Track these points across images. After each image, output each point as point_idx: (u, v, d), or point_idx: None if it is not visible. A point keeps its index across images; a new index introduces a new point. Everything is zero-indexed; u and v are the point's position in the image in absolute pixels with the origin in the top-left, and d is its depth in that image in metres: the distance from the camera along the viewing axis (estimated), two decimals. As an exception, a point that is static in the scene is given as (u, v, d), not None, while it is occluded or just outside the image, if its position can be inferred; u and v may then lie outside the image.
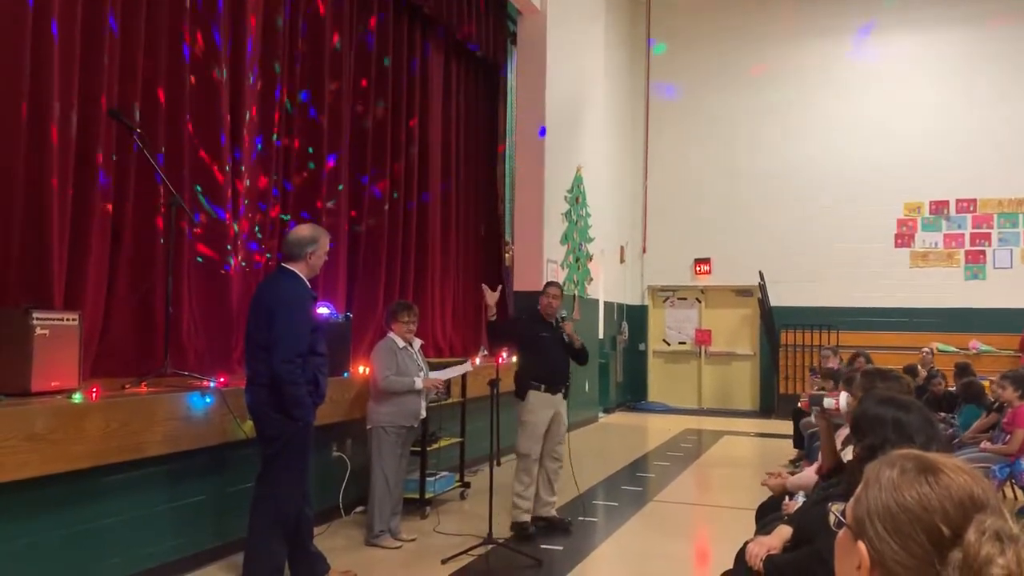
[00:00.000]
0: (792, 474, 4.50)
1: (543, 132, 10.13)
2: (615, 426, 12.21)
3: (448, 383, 6.43)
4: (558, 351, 5.80)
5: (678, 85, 14.67)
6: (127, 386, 4.41)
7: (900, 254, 13.62)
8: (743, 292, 14.39)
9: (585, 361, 6.08)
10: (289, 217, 6.31)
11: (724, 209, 14.28)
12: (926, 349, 10.53)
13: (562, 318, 5.98)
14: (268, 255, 6.00)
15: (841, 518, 1.14)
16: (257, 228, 5.96)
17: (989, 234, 13.32)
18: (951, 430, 7.32)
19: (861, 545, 1.07)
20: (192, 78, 5.33)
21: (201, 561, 4.68)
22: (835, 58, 13.97)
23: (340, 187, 6.84)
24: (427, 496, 6.14)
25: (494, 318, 5.81)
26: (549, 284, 6.07)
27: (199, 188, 5.37)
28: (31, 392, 3.79)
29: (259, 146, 5.97)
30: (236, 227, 5.65)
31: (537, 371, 5.67)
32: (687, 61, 14.67)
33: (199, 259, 5.40)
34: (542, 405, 5.67)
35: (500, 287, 6.08)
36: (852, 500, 1.13)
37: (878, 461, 1.13)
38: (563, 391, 5.81)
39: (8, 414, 3.47)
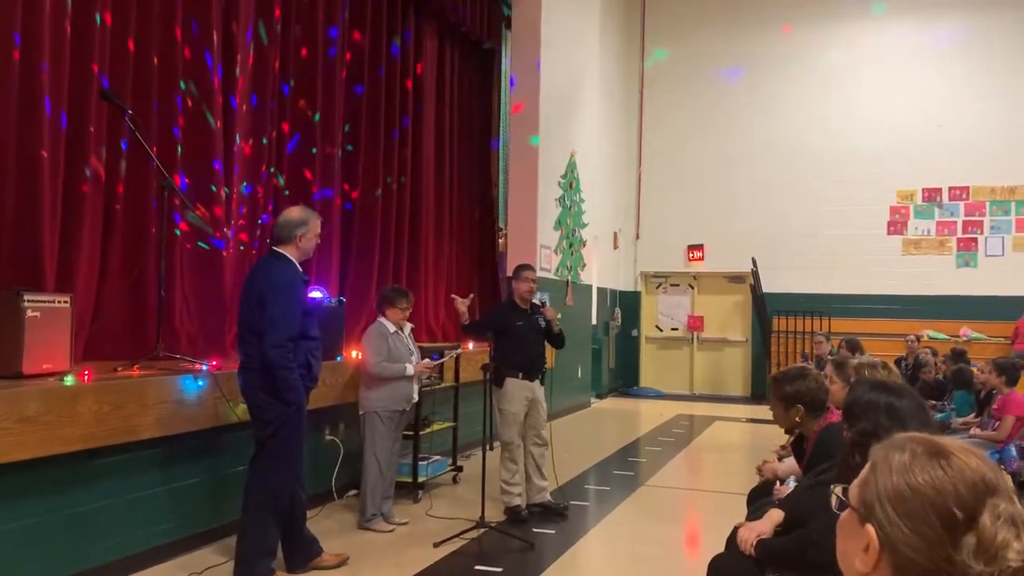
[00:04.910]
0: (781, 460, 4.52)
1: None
2: (607, 412, 12.25)
3: (441, 367, 6.45)
4: (534, 338, 5.83)
5: (672, 73, 14.64)
6: (119, 369, 4.40)
7: (892, 241, 13.66)
8: (736, 278, 14.42)
9: (562, 345, 6.10)
10: (284, 187, 6.29)
11: (717, 196, 14.28)
12: (911, 336, 10.55)
13: (542, 303, 5.98)
14: (259, 232, 5.98)
15: (844, 499, 1.14)
16: (253, 205, 5.94)
17: (981, 222, 13.36)
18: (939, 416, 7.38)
19: (870, 528, 1.06)
20: (184, 61, 5.29)
21: (194, 544, 4.68)
22: (830, 45, 13.95)
23: (334, 171, 6.82)
24: (420, 480, 6.15)
25: (466, 322, 5.82)
26: (525, 268, 5.97)
27: (191, 171, 5.35)
28: (23, 374, 3.78)
29: (250, 130, 5.94)
30: (229, 209, 5.63)
31: (514, 359, 5.69)
32: (682, 48, 14.62)
33: (197, 244, 5.37)
34: (519, 392, 5.69)
35: (472, 295, 6.06)
36: (857, 483, 1.12)
37: (884, 444, 1.12)
38: (540, 377, 5.84)
39: (0, 396, 3.46)
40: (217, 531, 4.82)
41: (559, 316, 6.13)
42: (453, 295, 5.95)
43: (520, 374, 5.69)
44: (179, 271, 5.23)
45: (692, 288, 14.93)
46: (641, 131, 14.96)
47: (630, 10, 14.94)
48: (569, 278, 11.29)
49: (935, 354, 9.41)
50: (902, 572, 1.03)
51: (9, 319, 3.78)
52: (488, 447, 5.67)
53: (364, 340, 5.54)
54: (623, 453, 8.50)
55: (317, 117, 6.62)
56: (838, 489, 1.16)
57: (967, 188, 13.39)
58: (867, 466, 1.12)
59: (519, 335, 5.72)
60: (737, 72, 14.27)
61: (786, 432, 3.59)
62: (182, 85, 5.28)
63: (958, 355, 8.43)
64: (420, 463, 6.17)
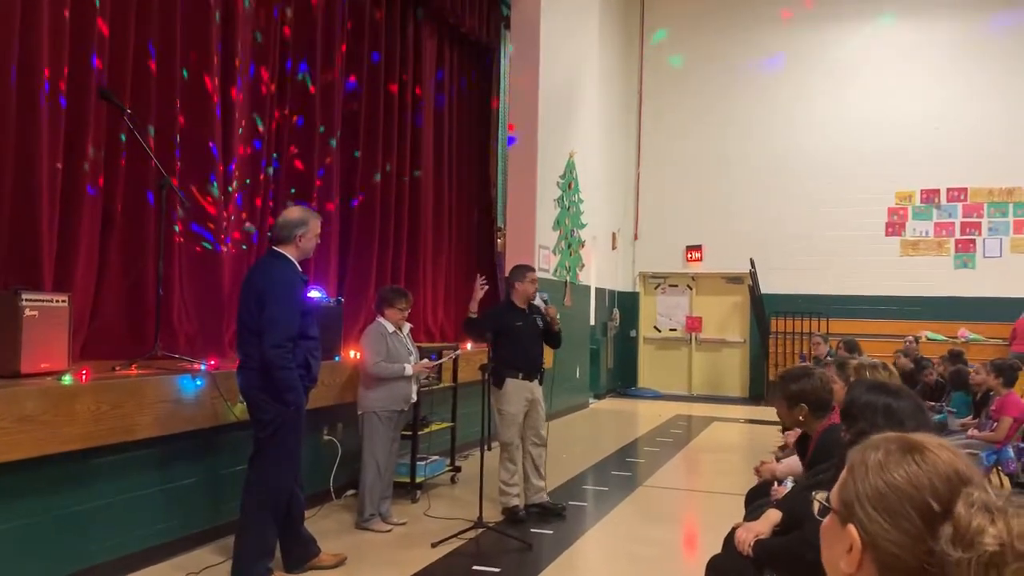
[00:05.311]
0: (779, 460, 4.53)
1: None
2: (605, 412, 12.25)
3: (439, 368, 6.46)
4: (532, 339, 5.84)
5: (672, 74, 14.65)
6: (117, 368, 4.40)
7: (890, 242, 13.67)
8: (734, 279, 14.43)
9: (559, 344, 6.11)
10: (283, 186, 6.29)
11: (716, 196, 14.29)
12: (909, 338, 10.61)
13: (545, 302, 5.99)
14: (253, 230, 5.98)
15: (826, 504, 1.15)
16: (248, 206, 5.94)
17: (979, 223, 13.37)
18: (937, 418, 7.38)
19: (851, 528, 1.08)
20: (182, 61, 5.28)
21: (192, 543, 4.68)
22: (828, 46, 13.97)
23: (332, 172, 6.82)
24: (418, 480, 6.15)
25: (474, 315, 5.80)
26: (528, 269, 5.97)
27: (190, 170, 5.34)
28: (20, 374, 3.77)
29: (248, 130, 5.93)
30: (227, 209, 5.63)
31: (513, 360, 5.69)
32: (681, 49, 14.63)
33: (195, 244, 5.37)
34: (519, 393, 5.69)
35: (487, 286, 6.04)
36: (837, 485, 1.14)
37: (860, 446, 1.14)
38: (538, 377, 5.85)
39: (-2, 395, 3.46)
40: (215, 531, 4.82)
41: (558, 315, 6.14)
42: (479, 274, 5.96)
43: (520, 374, 5.70)
44: (177, 270, 5.23)
45: (690, 289, 14.94)
46: (640, 131, 14.97)
47: (629, 10, 14.95)
48: (567, 278, 11.29)
49: (907, 355, 9.46)
50: (886, 569, 1.05)
51: (7, 318, 3.77)
52: (486, 447, 5.67)
53: (363, 340, 5.54)
54: (621, 454, 8.50)
55: (316, 117, 6.61)
56: (820, 495, 1.18)
57: (965, 189, 13.40)
58: (845, 468, 1.14)
59: (518, 335, 5.72)
60: (737, 75, 14.25)
61: (783, 430, 3.62)
62: (183, 73, 5.27)
63: (955, 356, 8.44)
64: (418, 463, 6.17)
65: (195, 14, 5.36)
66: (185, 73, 5.30)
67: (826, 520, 1.16)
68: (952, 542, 1.00)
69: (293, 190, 6.41)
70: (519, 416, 5.70)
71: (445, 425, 6.89)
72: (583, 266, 11.99)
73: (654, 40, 14.78)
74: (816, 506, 1.18)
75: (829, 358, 8.16)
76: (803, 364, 4.03)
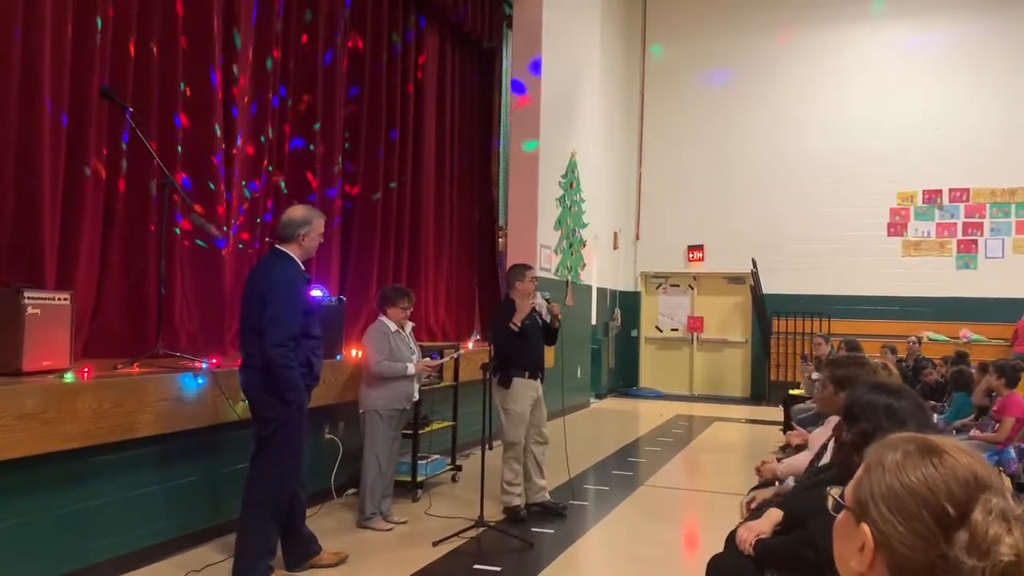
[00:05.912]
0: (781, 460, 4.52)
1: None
2: (607, 412, 12.25)
3: (441, 367, 6.46)
4: (536, 337, 5.84)
5: (673, 73, 14.65)
6: (119, 366, 4.40)
7: (892, 243, 13.66)
8: (735, 279, 14.42)
9: (555, 341, 6.11)
10: (284, 185, 6.29)
11: (717, 196, 14.28)
12: (912, 338, 10.62)
13: (548, 300, 5.99)
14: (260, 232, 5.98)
15: (840, 501, 1.14)
16: (249, 205, 5.94)
17: (981, 224, 13.36)
18: (938, 418, 7.37)
19: (865, 527, 1.07)
20: (184, 59, 5.28)
21: (193, 542, 4.68)
22: (830, 47, 13.95)
23: (334, 170, 6.82)
24: (418, 479, 6.15)
25: (516, 327, 5.62)
26: (527, 267, 5.93)
27: (192, 169, 5.34)
28: (22, 371, 3.78)
29: (251, 129, 5.93)
30: (229, 208, 5.63)
31: (520, 359, 5.69)
32: (683, 49, 14.63)
33: (196, 241, 5.37)
34: (526, 392, 5.70)
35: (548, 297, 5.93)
36: (852, 483, 1.13)
37: (879, 444, 1.13)
38: (540, 376, 5.86)
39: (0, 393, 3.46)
40: (216, 529, 4.82)
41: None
42: (551, 299, 5.99)
43: (526, 373, 5.70)
44: (179, 269, 5.23)
45: (692, 289, 14.93)
46: (642, 131, 14.96)
47: (631, 10, 14.94)
48: (569, 278, 11.29)
49: (894, 351, 9.47)
50: (898, 570, 1.04)
51: (9, 316, 3.77)
52: (488, 446, 5.66)
53: (365, 339, 5.54)
54: (622, 453, 8.50)
55: (317, 117, 6.61)
56: (835, 490, 1.17)
57: (967, 190, 13.39)
58: (862, 466, 1.13)
59: (525, 335, 5.72)
60: (738, 75, 14.26)
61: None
62: (181, 86, 5.28)
63: (960, 357, 8.44)
64: (419, 462, 6.17)
65: (197, 13, 5.36)
66: (187, 73, 5.30)
67: (839, 517, 1.15)
68: (967, 550, 0.99)
69: (286, 191, 6.39)
70: (526, 415, 5.70)
71: (446, 424, 6.89)
72: (584, 266, 11.99)
73: (654, 54, 14.77)
74: (830, 501, 1.17)
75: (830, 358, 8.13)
76: (858, 354, 4.01)
